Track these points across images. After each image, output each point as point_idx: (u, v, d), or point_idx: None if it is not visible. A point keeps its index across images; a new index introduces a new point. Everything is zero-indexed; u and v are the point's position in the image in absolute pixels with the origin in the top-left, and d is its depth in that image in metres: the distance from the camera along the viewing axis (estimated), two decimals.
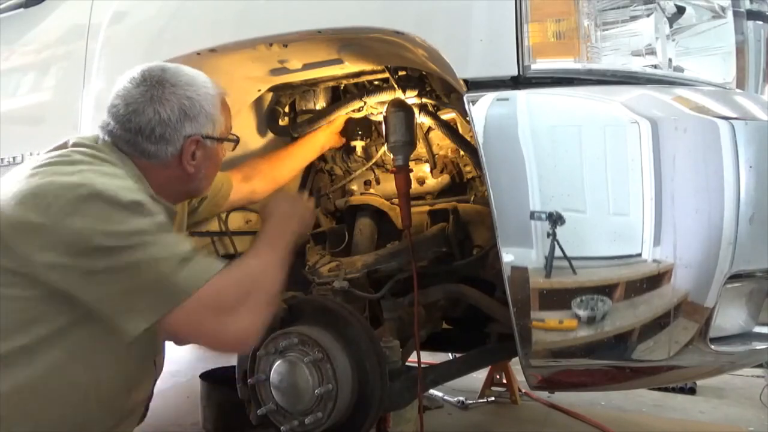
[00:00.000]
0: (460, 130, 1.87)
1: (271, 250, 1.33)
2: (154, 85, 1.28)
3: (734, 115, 1.21)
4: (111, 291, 1.10)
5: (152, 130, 1.27)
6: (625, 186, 1.17)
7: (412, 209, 1.83)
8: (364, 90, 1.89)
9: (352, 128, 2.07)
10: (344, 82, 1.91)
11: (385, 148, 1.89)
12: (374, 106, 1.94)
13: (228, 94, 1.41)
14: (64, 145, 1.30)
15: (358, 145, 2.11)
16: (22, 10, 2.07)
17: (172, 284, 1.11)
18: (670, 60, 1.30)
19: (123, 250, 1.09)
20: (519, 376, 2.92)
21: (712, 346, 1.23)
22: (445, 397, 3.02)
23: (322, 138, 2.04)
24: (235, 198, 1.83)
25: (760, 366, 2.95)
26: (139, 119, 1.27)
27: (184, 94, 1.29)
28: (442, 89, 1.74)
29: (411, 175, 1.84)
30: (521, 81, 1.23)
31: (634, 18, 1.28)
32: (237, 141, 1.45)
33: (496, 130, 1.22)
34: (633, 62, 1.28)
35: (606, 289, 1.19)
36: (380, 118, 1.88)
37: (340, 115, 1.99)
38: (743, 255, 1.19)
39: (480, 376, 3.01)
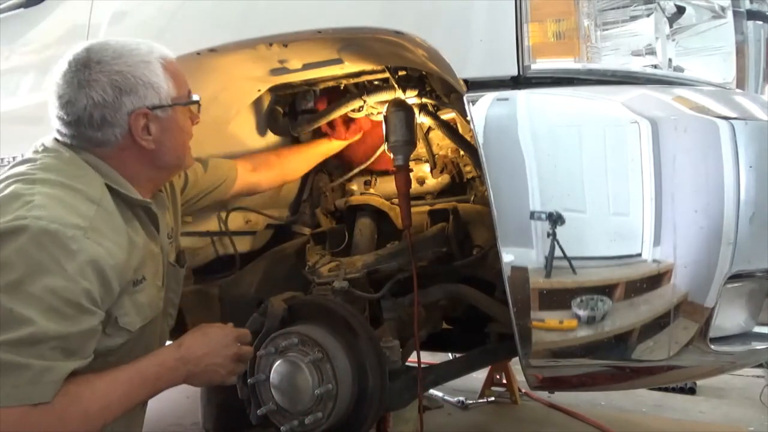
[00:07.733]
0: (460, 130, 1.87)
1: (129, 388, 1.16)
2: (79, 69, 1.21)
3: (734, 115, 1.21)
4: None
5: (91, 117, 1.20)
6: (625, 186, 1.17)
7: (412, 209, 1.82)
8: (364, 90, 1.88)
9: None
10: (344, 82, 1.90)
11: (385, 147, 1.89)
12: (374, 106, 1.94)
13: (172, 57, 1.31)
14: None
15: None
16: (22, 10, 2.07)
17: None
18: (670, 60, 1.30)
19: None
20: (519, 376, 2.92)
21: (712, 346, 1.23)
22: (445, 397, 3.02)
23: (336, 143, 2.07)
24: (238, 187, 1.81)
25: (760, 366, 2.95)
26: (74, 110, 1.20)
27: (112, 70, 1.20)
28: (442, 89, 1.74)
29: (411, 175, 1.83)
30: (521, 81, 1.23)
31: (634, 18, 1.27)
32: (195, 102, 1.34)
33: (496, 130, 1.22)
34: (633, 62, 1.28)
35: (606, 289, 1.19)
36: (380, 118, 1.88)
37: (340, 114, 1.98)
38: (743, 255, 1.19)
39: (480, 376, 3.01)
